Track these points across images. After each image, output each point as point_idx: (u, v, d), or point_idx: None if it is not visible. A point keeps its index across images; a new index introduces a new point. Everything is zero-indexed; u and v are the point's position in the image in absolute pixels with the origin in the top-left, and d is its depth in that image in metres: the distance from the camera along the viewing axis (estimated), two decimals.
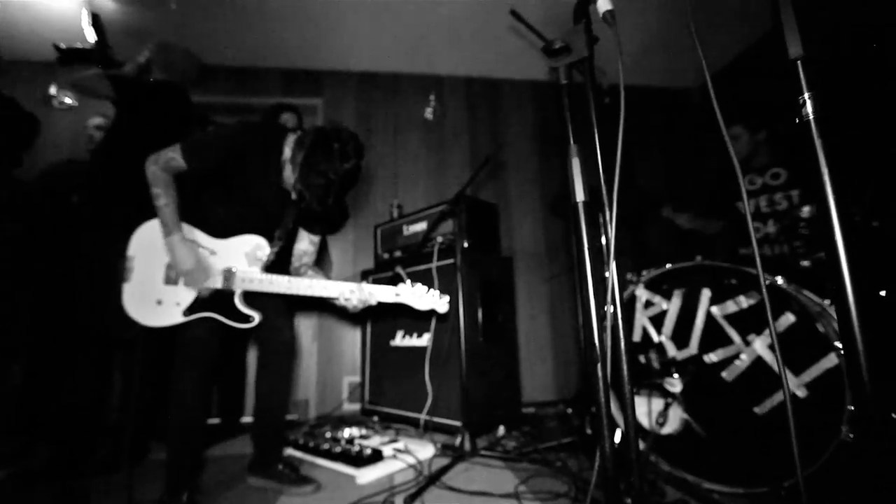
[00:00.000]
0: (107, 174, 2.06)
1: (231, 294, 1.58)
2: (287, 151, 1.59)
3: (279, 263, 1.73)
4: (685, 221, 2.54)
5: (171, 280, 1.56)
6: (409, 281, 1.67)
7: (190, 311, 1.54)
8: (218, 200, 1.65)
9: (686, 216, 2.55)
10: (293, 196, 1.61)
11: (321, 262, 2.53)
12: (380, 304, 1.66)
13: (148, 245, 1.58)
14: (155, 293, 1.55)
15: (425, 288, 1.66)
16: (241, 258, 1.61)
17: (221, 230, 1.63)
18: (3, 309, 2.47)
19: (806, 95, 0.62)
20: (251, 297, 1.63)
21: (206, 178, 1.61)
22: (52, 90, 3.14)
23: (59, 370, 2.21)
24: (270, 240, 1.66)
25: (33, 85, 3.15)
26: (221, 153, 1.55)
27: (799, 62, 0.64)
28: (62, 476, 1.81)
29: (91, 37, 2.14)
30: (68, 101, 3.15)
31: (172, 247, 1.50)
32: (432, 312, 1.68)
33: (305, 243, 1.83)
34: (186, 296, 1.55)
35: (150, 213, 1.55)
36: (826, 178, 0.60)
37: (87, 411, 2.04)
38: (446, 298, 1.67)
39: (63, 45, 1.97)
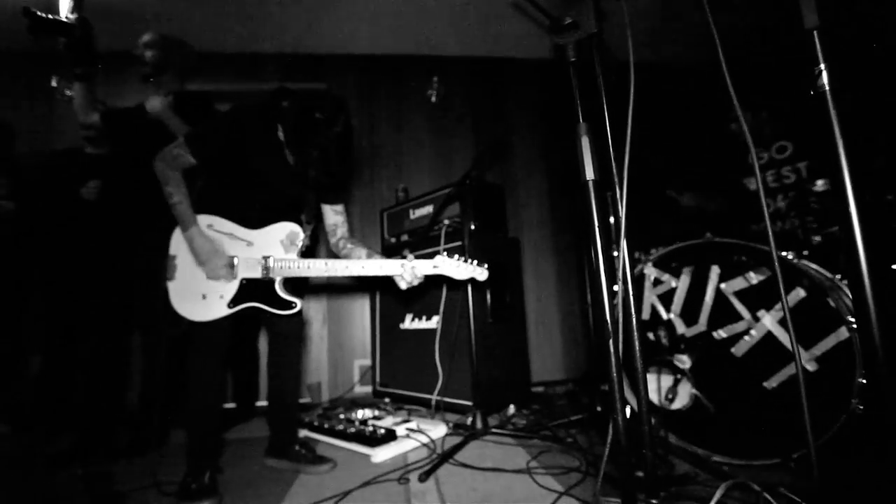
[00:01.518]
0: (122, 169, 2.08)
1: (272, 282, 1.60)
2: (281, 136, 1.58)
3: (311, 244, 1.74)
4: (688, 199, 2.53)
5: (199, 265, 1.59)
6: (444, 252, 1.65)
7: (234, 302, 1.57)
8: (240, 189, 1.65)
9: (688, 195, 2.53)
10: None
11: None
12: (388, 279, 1.67)
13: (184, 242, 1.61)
14: (199, 288, 1.58)
15: (462, 258, 1.64)
16: (277, 246, 1.63)
17: (255, 221, 1.64)
18: (20, 302, 2.52)
19: (822, 66, 0.61)
20: (289, 289, 1.65)
21: (221, 170, 1.61)
22: (53, 82, 3.14)
23: (78, 360, 2.26)
24: (300, 223, 1.67)
25: (34, 77, 3.16)
26: (222, 140, 1.56)
27: (815, 32, 0.62)
28: (85, 461, 1.87)
29: (67, 9, 2.02)
30: (69, 93, 3.15)
31: (190, 241, 1.53)
32: (471, 281, 1.66)
33: (332, 216, 1.83)
34: (230, 288, 1.58)
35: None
36: (841, 149, 0.59)
37: (108, 398, 2.09)
38: (485, 266, 1.66)
39: (36, 11, 1.86)
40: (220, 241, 1.59)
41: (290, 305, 1.62)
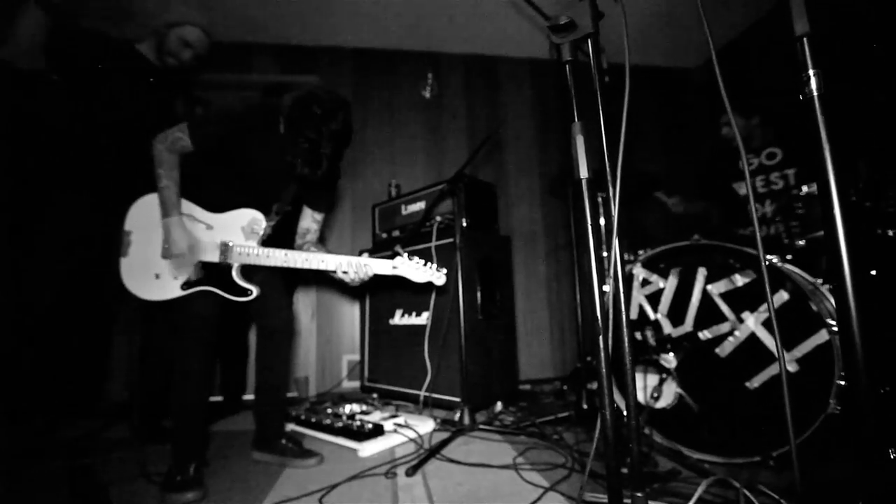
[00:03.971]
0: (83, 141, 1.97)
1: (229, 268, 1.59)
2: (281, 128, 1.58)
3: (281, 240, 1.73)
4: (675, 204, 2.57)
5: (167, 254, 1.57)
6: (406, 254, 1.66)
7: (188, 284, 1.55)
8: (217, 177, 1.65)
9: (675, 199, 2.58)
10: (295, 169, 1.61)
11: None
12: (378, 277, 1.67)
13: (146, 220, 1.59)
14: (153, 267, 1.57)
15: (422, 261, 1.66)
16: (237, 232, 1.62)
17: (218, 205, 1.63)
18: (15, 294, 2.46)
19: (811, 72, 0.63)
20: (249, 275, 1.64)
21: (208, 156, 1.60)
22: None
23: (59, 347, 2.22)
24: (267, 214, 1.66)
25: None
26: (224, 132, 1.55)
27: (805, 39, 0.64)
28: (68, 454, 1.83)
29: None
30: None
31: (169, 228, 1.51)
32: (430, 285, 1.69)
33: (308, 221, 1.83)
34: (184, 270, 1.57)
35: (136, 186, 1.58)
36: (828, 155, 0.61)
37: (85, 387, 2.04)
38: (443, 271, 1.68)
39: None
40: (192, 233, 1.57)
41: (245, 292, 1.60)
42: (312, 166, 1.53)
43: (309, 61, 3.58)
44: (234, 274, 1.60)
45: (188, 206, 1.60)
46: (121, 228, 1.61)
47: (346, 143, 1.60)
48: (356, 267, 1.61)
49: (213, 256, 1.58)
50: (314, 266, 1.61)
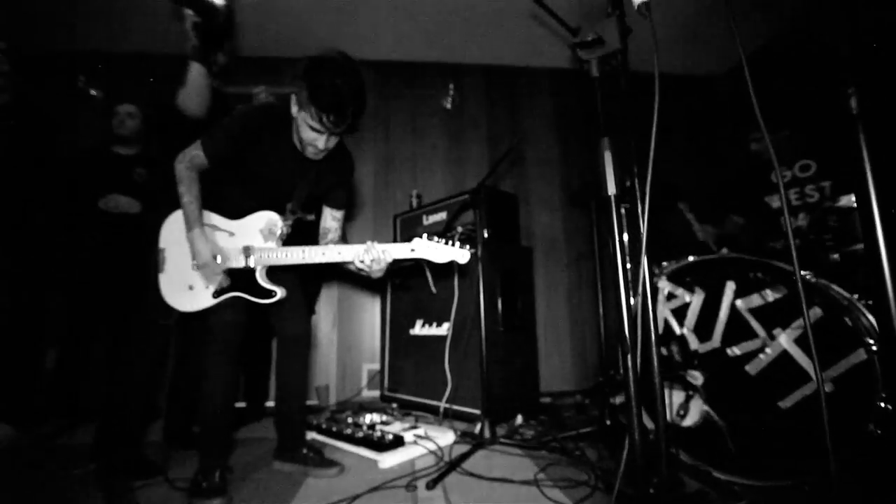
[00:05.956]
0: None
1: (253, 272, 1.62)
2: (294, 110, 1.55)
3: (303, 241, 1.73)
4: (700, 231, 2.51)
5: (195, 266, 1.62)
6: (424, 235, 1.57)
7: (218, 293, 1.59)
8: (233, 184, 1.68)
9: (704, 227, 2.51)
10: (306, 153, 1.59)
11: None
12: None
13: (176, 236, 1.64)
14: (186, 280, 1.62)
15: (442, 240, 1.56)
16: (256, 235, 1.64)
17: (236, 212, 1.66)
18: (38, 297, 2.57)
19: (851, 90, 0.61)
20: (273, 280, 1.66)
21: (225, 165, 1.64)
22: (80, 83, 3.23)
23: (98, 356, 2.30)
24: (282, 213, 1.67)
25: (61, 78, 3.24)
26: (235, 139, 1.58)
27: (848, 57, 0.63)
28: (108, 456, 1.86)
29: None
30: (93, 92, 3.23)
31: (192, 241, 1.56)
32: (453, 264, 1.59)
33: (329, 220, 1.84)
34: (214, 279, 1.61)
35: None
36: (869, 173, 0.59)
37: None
38: (467, 248, 1.57)
39: None
40: (215, 243, 1.61)
41: (270, 294, 1.61)
42: (340, 113, 1.45)
43: None
44: (259, 276, 1.62)
45: (210, 217, 1.65)
46: (156, 247, 1.68)
47: (363, 100, 1.52)
48: (373, 254, 1.55)
49: (239, 262, 1.61)
50: (332, 259, 1.59)
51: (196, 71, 1.83)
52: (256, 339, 2.75)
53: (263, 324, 1.80)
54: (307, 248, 1.60)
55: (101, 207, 2.42)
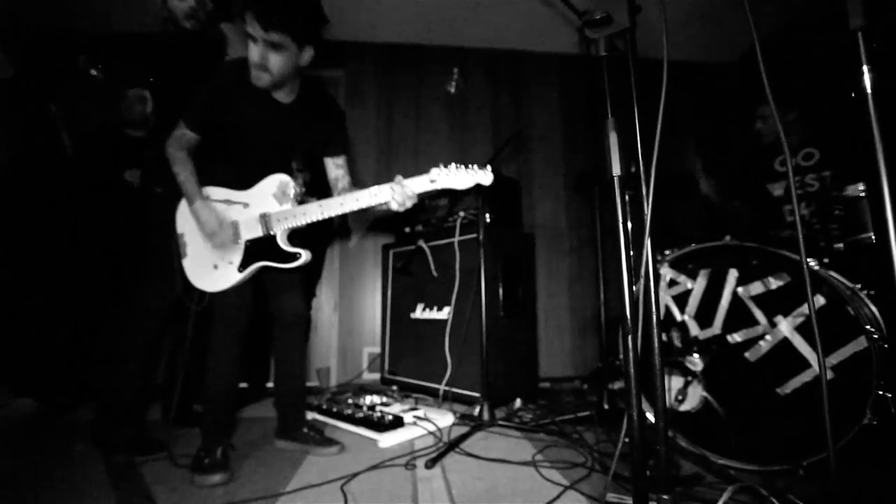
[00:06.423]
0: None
1: (274, 238, 1.60)
2: (243, 51, 1.52)
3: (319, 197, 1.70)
4: (704, 184, 2.48)
5: (207, 239, 1.62)
6: (441, 165, 1.50)
7: (243, 266, 1.59)
8: (231, 154, 1.67)
9: (709, 181, 2.48)
10: (259, 83, 1.52)
11: None
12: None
13: (189, 218, 1.64)
14: (209, 260, 1.62)
15: (462, 166, 1.47)
16: (271, 201, 1.62)
17: (245, 181, 1.64)
18: (49, 273, 2.59)
19: (865, 68, 0.60)
20: (294, 243, 1.64)
21: (217, 136, 1.63)
22: (82, 63, 3.19)
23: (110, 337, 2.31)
24: (290, 172, 1.65)
25: (61, 58, 3.20)
26: (210, 101, 1.57)
27: (859, 33, 0.61)
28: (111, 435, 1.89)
29: None
30: (94, 73, 3.20)
31: (196, 214, 1.57)
32: (478, 187, 1.49)
33: (333, 169, 1.81)
34: (237, 252, 1.61)
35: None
36: (880, 154, 0.58)
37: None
38: (488, 168, 1.48)
39: None
40: (223, 212, 1.60)
41: (295, 257, 1.59)
42: (261, 7, 1.39)
43: (335, 56, 3.61)
44: (280, 241, 1.60)
45: (221, 192, 1.64)
46: (174, 233, 1.68)
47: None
48: (393, 193, 1.47)
49: (258, 231, 1.60)
50: (350, 207, 1.53)
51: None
52: (258, 320, 2.77)
53: (265, 304, 1.81)
54: (323, 202, 1.56)
55: (128, 179, 2.45)
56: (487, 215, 2.41)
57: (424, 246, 2.66)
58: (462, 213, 2.61)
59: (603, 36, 0.94)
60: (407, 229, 3.00)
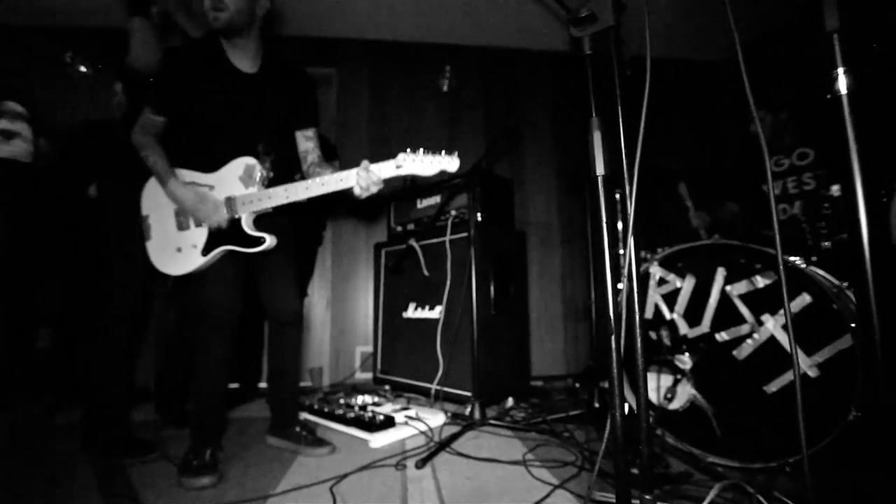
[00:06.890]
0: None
1: (239, 221, 1.59)
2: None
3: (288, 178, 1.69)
4: (695, 217, 2.50)
5: (182, 226, 1.62)
6: (409, 150, 1.47)
7: (206, 249, 1.58)
8: (198, 136, 1.65)
9: (700, 214, 2.50)
10: (216, 24, 1.51)
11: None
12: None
13: (154, 201, 1.65)
14: (173, 242, 1.62)
15: (430, 151, 1.47)
16: (236, 184, 1.60)
17: (211, 163, 1.62)
18: (31, 275, 2.55)
19: (840, 70, 0.60)
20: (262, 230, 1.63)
21: (179, 117, 1.62)
22: (68, 58, 3.16)
23: (89, 335, 2.29)
24: (256, 156, 1.62)
25: (50, 53, 3.16)
26: (172, 82, 1.58)
27: (835, 36, 0.61)
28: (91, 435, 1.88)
29: None
30: (83, 69, 3.17)
31: (171, 193, 1.57)
32: (443, 174, 1.49)
33: (303, 142, 1.78)
34: (200, 236, 1.60)
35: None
36: (854, 155, 0.58)
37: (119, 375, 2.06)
38: (455, 154, 1.47)
39: None
40: (201, 190, 1.59)
41: (259, 241, 1.57)
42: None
43: (328, 53, 3.59)
44: (245, 225, 1.58)
45: (188, 175, 1.63)
46: (139, 215, 1.67)
47: None
48: (359, 178, 1.46)
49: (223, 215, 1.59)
50: (316, 192, 1.51)
51: (136, 25, 1.78)
52: (249, 319, 2.76)
53: (257, 304, 1.80)
54: (289, 187, 1.53)
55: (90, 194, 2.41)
56: (479, 214, 2.41)
57: (416, 245, 2.66)
58: (454, 212, 2.60)
59: (587, 34, 0.94)
60: (399, 228, 2.99)
